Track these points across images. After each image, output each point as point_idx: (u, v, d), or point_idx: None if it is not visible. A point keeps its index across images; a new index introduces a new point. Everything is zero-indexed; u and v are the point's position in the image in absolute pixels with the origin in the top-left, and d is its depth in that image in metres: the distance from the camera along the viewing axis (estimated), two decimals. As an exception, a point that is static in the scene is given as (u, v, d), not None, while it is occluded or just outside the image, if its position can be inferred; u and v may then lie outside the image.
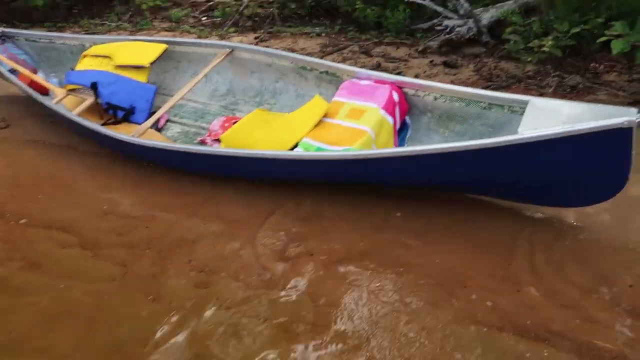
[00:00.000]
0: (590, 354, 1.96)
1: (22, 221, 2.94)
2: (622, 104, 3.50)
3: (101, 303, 2.34)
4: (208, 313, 2.24)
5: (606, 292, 2.23)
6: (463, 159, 2.37)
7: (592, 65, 3.99)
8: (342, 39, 5.14)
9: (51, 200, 3.13)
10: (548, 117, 2.30)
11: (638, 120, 2.07)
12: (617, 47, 3.12)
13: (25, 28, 5.97)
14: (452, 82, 4.02)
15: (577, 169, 2.30)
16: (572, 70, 3.97)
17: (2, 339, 2.19)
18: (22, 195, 3.20)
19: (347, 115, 2.96)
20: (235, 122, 3.37)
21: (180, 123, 3.88)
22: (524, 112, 2.47)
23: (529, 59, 3.87)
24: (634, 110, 2.10)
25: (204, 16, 6.27)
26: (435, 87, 2.97)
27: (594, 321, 2.09)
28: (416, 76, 4.25)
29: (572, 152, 2.22)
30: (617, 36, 3.20)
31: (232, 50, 3.83)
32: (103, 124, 3.56)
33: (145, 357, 2.06)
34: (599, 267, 2.36)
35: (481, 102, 2.79)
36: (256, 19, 5.86)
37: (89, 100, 3.71)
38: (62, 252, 2.69)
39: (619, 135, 2.11)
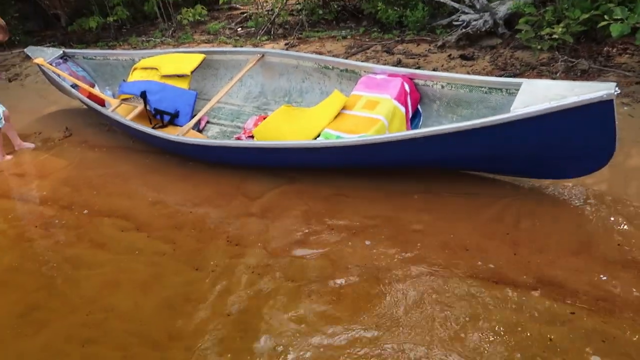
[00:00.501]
0: (577, 297, 2.21)
1: (85, 212, 3.44)
2: (631, 84, 3.65)
3: (155, 272, 2.77)
4: (242, 277, 2.62)
5: (597, 249, 2.46)
6: (462, 139, 2.65)
7: (605, 49, 4.14)
8: (367, 40, 5.46)
9: (111, 194, 3.63)
10: (539, 96, 2.53)
11: (616, 93, 2.29)
12: (615, 30, 3.30)
13: (81, 48, 6.63)
14: (468, 73, 4.27)
15: (567, 142, 2.53)
16: (587, 55, 4.13)
17: (76, 301, 2.66)
18: (86, 190, 3.71)
19: (363, 106, 3.29)
20: (266, 119, 3.76)
21: (218, 124, 4.33)
22: (519, 93, 2.73)
23: (539, 47, 4.07)
24: (612, 84, 2.31)
25: (239, 27, 6.76)
26: (441, 77, 3.26)
27: (582, 271, 2.33)
28: (434, 70, 4.52)
29: (560, 126, 2.46)
30: (619, 20, 3.37)
31: (263, 56, 4.25)
32: (152, 127, 4.04)
33: (190, 312, 2.46)
34: (592, 229, 2.59)
35: (482, 87, 3.06)
36: (286, 26, 6.28)
37: (140, 107, 4.21)
38: (121, 234, 3.16)
39: (601, 107, 2.34)
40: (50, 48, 5.20)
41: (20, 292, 2.80)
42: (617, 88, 2.30)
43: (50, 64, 4.77)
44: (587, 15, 3.92)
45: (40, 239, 3.24)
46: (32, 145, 4.54)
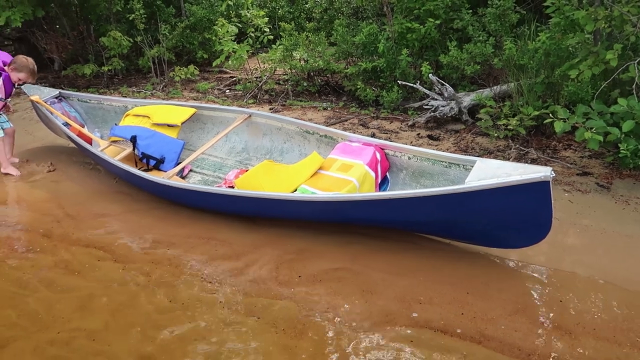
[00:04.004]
0: (513, 351, 2.48)
1: (66, 240, 3.58)
2: (572, 174, 4.15)
3: (127, 299, 2.92)
4: (212, 311, 2.80)
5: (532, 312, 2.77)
6: (421, 204, 3.00)
7: (552, 143, 4.70)
8: (345, 113, 5.96)
9: (90, 227, 3.79)
10: (489, 173, 2.93)
11: (552, 175, 2.71)
12: (558, 127, 3.83)
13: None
14: (433, 151, 4.72)
15: (510, 214, 2.91)
16: (537, 146, 4.67)
17: (47, 320, 2.77)
18: (66, 222, 3.86)
19: (338, 168, 3.64)
20: (247, 172, 4.06)
21: (201, 173, 4.61)
22: (474, 169, 3.14)
23: (496, 135, 4.60)
24: (549, 168, 2.72)
25: (227, 89, 7.23)
26: (409, 149, 3.68)
27: (519, 329, 2.62)
28: (403, 145, 4.97)
29: (505, 200, 2.84)
30: (562, 119, 3.91)
31: (250, 116, 4.63)
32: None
33: (160, 338, 2.61)
34: (530, 294, 2.92)
35: (443, 161, 3.48)
36: (272, 93, 6.77)
37: (128, 150, 4.47)
38: (98, 263, 3.31)
39: (540, 187, 2.74)
40: (47, 87, 5.47)
41: (-9, 308, 2.89)
42: (553, 172, 2.71)
43: (45, 102, 5.03)
44: (537, 113, 4.49)
45: (16, 261, 3.35)
46: (17, 173, 4.72)
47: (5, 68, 4.62)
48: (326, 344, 2.58)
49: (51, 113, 4.92)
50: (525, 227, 2.96)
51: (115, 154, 4.48)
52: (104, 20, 8.04)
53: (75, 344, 2.60)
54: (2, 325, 2.76)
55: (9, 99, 4.75)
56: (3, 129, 4.78)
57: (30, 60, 4.69)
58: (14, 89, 4.76)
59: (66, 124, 4.91)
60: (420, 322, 2.72)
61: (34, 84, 5.00)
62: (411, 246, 3.38)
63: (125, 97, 7.04)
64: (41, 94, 5.16)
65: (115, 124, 4.88)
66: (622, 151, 3.80)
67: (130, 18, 7.32)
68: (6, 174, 4.74)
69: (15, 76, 4.61)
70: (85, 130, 4.92)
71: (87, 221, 3.87)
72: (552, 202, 2.79)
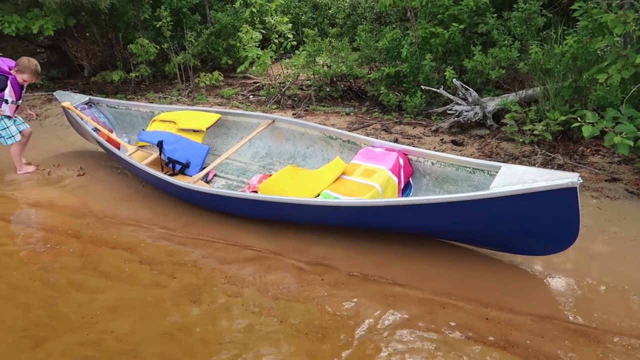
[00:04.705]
0: (539, 358, 2.45)
1: (95, 242, 3.67)
2: (600, 180, 4.07)
3: (154, 301, 2.98)
4: (236, 313, 2.84)
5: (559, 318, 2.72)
6: (446, 210, 2.98)
7: (580, 148, 4.61)
8: (368, 118, 5.96)
9: (118, 229, 3.88)
10: (515, 178, 2.89)
11: (580, 182, 2.66)
12: (586, 131, 3.75)
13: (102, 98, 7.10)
14: (457, 157, 4.69)
15: (536, 221, 2.86)
16: (564, 151, 4.59)
17: (76, 322, 2.84)
18: (94, 224, 3.96)
19: (361, 174, 3.65)
20: (270, 177, 4.10)
21: (225, 178, 4.67)
22: (499, 175, 3.10)
23: (521, 140, 4.54)
24: (576, 174, 2.68)
25: (251, 94, 7.31)
26: (432, 155, 3.66)
27: (545, 336, 2.58)
28: (427, 150, 4.94)
29: (530, 206, 2.80)
30: (590, 123, 3.84)
31: (273, 121, 4.68)
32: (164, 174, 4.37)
33: (185, 340, 2.65)
34: (556, 300, 2.87)
35: (467, 167, 3.45)
36: (295, 98, 6.83)
37: (154, 155, 4.57)
38: (125, 264, 3.38)
39: (566, 193, 2.69)
40: (77, 94, 5.63)
41: (23, 308, 2.99)
42: (580, 178, 2.67)
43: (76, 108, 5.17)
44: (564, 118, 4.42)
45: (46, 262, 3.45)
46: (33, 168, 5.04)
47: (11, 72, 4.77)
48: (349, 348, 2.59)
49: (81, 119, 5.06)
50: (552, 234, 2.91)
51: (142, 159, 4.58)
52: (132, 27, 8.23)
53: (104, 345, 2.66)
54: (35, 325, 2.84)
55: (20, 101, 4.91)
56: (20, 131, 4.97)
57: (33, 60, 4.84)
58: (23, 92, 4.90)
59: (95, 129, 5.04)
60: (444, 327, 2.70)
61: (35, 82, 5.14)
62: (433, 252, 3.36)
63: (152, 102, 7.18)
64: (72, 100, 5.31)
65: (143, 129, 4.98)
66: (652, 157, 3.71)
67: (158, 25, 7.48)
68: (24, 173, 4.97)
69: (20, 78, 4.78)
70: (113, 136, 5.04)
71: (115, 224, 3.97)
72: (580, 208, 2.74)
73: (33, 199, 4.46)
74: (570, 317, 2.74)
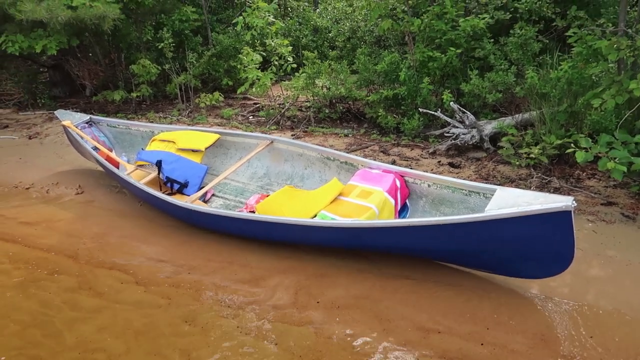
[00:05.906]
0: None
1: (91, 262, 3.67)
2: (596, 204, 4.09)
3: (148, 322, 2.97)
4: (231, 335, 2.82)
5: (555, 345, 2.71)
6: (441, 231, 3.00)
7: (576, 172, 4.64)
8: (366, 140, 6.01)
9: (114, 249, 3.87)
10: (510, 201, 2.92)
11: (574, 205, 2.68)
12: (580, 157, 3.79)
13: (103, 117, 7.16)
14: (454, 179, 4.72)
15: (531, 244, 2.87)
16: (559, 175, 4.62)
17: (70, 341, 2.82)
18: (91, 243, 3.96)
19: (358, 195, 3.67)
20: (268, 197, 4.12)
21: (223, 197, 4.68)
22: (494, 198, 3.12)
23: (517, 163, 4.58)
24: (571, 198, 2.70)
25: (251, 115, 7.37)
26: (429, 177, 3.69)
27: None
28: (424, 172, 4.98)
29: (525, 229, 2.82)
30: (584, 149, 3.88)
31: (272, 142, 4.72)
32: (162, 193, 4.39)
33: (180, 361, 2.64)
34: (552, 326, 2.86)
35: (463, 189, 3.48)
36: (294, 119, 6.89)
37: (153, 174, 4.59)
38: (120, 285, 3.37)
39: (561, 216, 2.71)
40: (78, 113, 5.68)
41: (18, 326, 2.97)
42: (574, 201, 2.69)
43: (76, 127, 5.22)
44: (560, 141, 4.46)
45: (42, 282, 3.44)
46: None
47: None
48: (343, 371, 2.57)
49: (81, 137, 5.10)
50: (547, 257, 2.92)
51: (140, 178, 4.60)
52: (135, 48, 8.34)
53: (97, 365, 2.64)
54: (28, 344, 2.83)
55: None
56: None
57: None
58: None
59: (95, 148, 5.08)
60: (438, 352, 2.69)
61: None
62: (430, 274, 3.36)
63: (152, 122, 7.24)
64: (73, 119, 5.35)
65: (142, 149, 5.02)
66: (647, 181, 3.74)
67: (160, 47, 7.58)
68: None
69: None
70: (113, 154, 5.07)
71: (112, 243, 3.97)
72: (575, 232, 2.76)
73: (30, 217, 4.46)
74: (566, 343, 2.73)
